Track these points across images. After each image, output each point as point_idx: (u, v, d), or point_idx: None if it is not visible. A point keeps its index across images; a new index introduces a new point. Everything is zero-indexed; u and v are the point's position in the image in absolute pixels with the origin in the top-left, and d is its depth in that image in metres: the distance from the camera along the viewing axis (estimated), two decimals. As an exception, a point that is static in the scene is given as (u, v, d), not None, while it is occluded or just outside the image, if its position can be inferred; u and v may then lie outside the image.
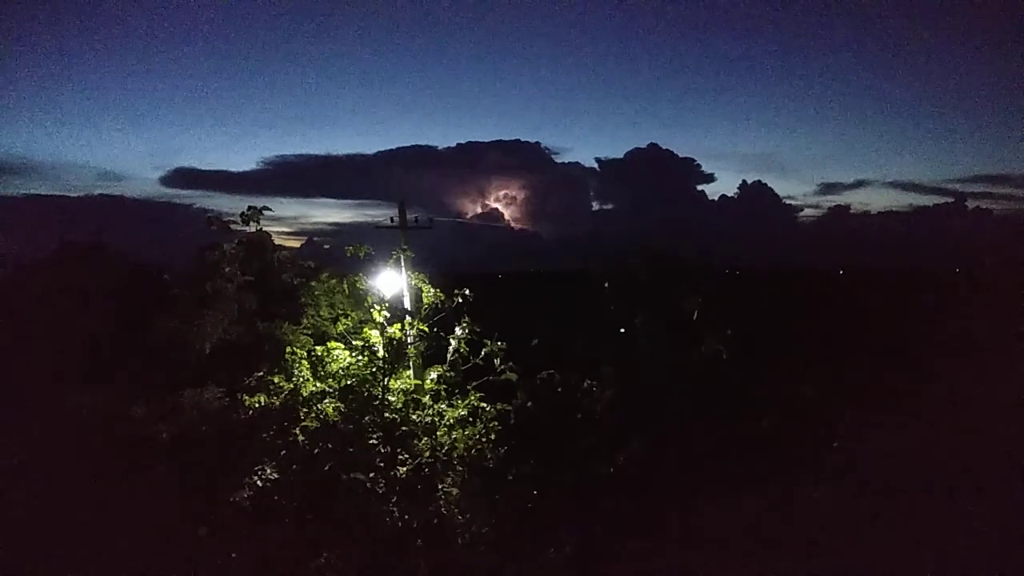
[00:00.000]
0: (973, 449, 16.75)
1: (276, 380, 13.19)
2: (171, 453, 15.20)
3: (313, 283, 17.79)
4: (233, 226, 16.20)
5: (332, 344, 13.86)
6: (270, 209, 16.21)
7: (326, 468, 12.54)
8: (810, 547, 14.85)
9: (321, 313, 17.56)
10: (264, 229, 16.68)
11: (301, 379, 13.32)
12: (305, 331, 16.29)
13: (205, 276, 15.89)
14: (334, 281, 17.09)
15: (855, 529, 15.15)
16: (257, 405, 13.03)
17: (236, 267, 16.10)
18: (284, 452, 12.79)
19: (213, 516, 12.92)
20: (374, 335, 13.78)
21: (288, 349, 13.76)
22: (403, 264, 15.76)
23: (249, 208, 15.99)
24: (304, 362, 13.41)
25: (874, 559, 14.21)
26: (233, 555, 12.24)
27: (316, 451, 12.61)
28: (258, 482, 12.68)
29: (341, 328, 15.30)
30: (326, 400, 13.09)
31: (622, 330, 21.40)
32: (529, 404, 17.69)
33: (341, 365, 13.44)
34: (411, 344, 14.41)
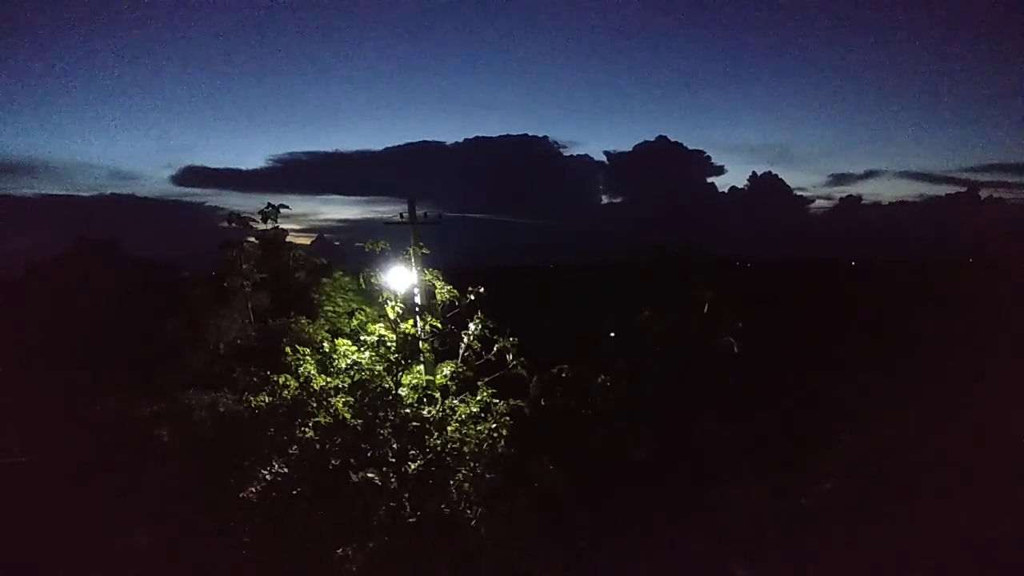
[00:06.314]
0: (984, 443, 16.65)
1: (282, 380, 13.21)
2: (180, 452, 15.37)
3: (325, 280, 17.89)
4: (251, 224, 16.42)
5: (340, 341, 13.85)
6: (287, 207, 16.41)
7: (335, 463, 12.58)
8: (819, 538, 14.84)
9: (336, 309, 17.67)
10: (279, 227, 16.88)
11: (308, 374, 13.32)
12: (322, 327, 16.40)
13: (222, 273, 16.07)
14: (347, 279, 17.18)
15: (863, 522, 15.11)
16: (263, 404, 13.10)
17: (252, 265, 16.27)
18: (294, 448, 12.83)
19: (223, 512, 13.02)
20: (380, 329, 13.76)
21: (288, 349, 13.74)
22: (414, 260, 15.76)
23: (268, 205, 16.14)
24: (309, 359, 13.42)
25: (881, 551, 14.18)
26: (244, 552, 12.33)
27: (326, 446, 12.64)
28: (267, 476, 12.77)
29: (355, 324, 15.34)
30: (336, 396, 13.10)
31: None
32: (543, 400, 17.72)
33: (348, 361, 13.42)
34: (423, 340, 14.42)
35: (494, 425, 14.28)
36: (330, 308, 17.44)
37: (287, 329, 16.12)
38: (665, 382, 19.08)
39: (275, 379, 13.17)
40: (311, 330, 15.96)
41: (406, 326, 13.68)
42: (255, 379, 13.61)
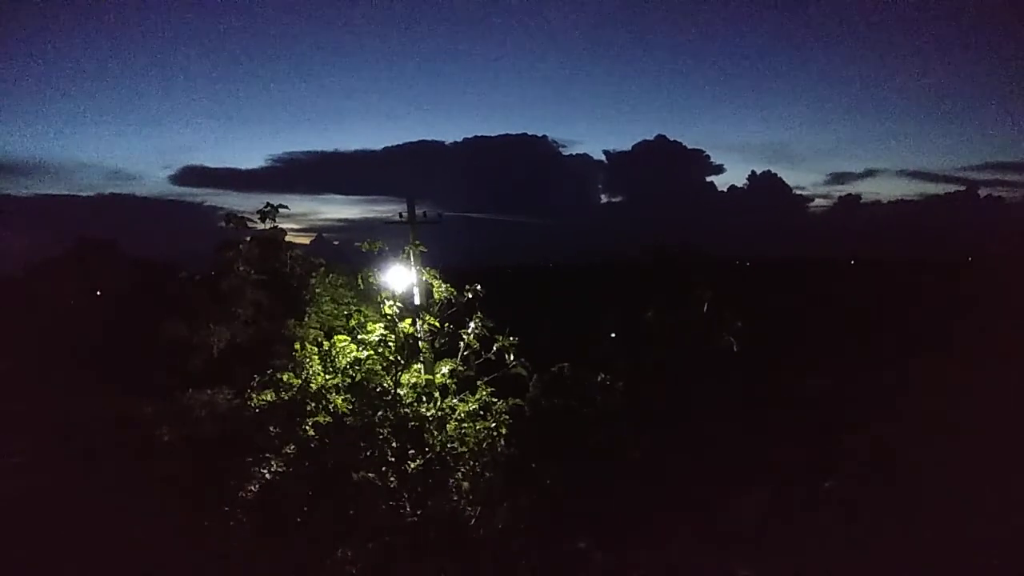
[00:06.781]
0: (985, 443, 16.64)
1: (285, 377, 13.20)
2: (180, 452, 15.37)
3: (312, 279, 17.85)
4: (249, 224, 16.39)
5: (338, 338, 13.82)
6: (286, 207, 16.38)
7: (335, 463, 12.56)
8: (819, 538, 14.84)
9: (324, 308, 17.63)
10: (277, 226, 16.85)
11: (312, 373, 13.30)
12: (313, 326, 16.38)
13: (220, 275, 16.05)
14: (333, 275, 17.16)
15: (864, 521, 15.11)
16: (264, 402, 13.07)
17: (250, 266, 16.25)
18: (292, 447, 12.82)
19: (221, 512, 13.01)
20: (378, 328, 13.73)
21: (297, 345, 13.75)
22: (413, 259, 15.76)
23: (267, 205, 16.10)
24: (315, 357, 13.39)
25: (882, 551, 14.17)
26: (244, 552, 12.31)
27: (325, 445, 12.62)
28: (266, 475, 12.76)
29: (354, 323, 15.32)
30: (335, 394, 13.07)
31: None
32: (543, 400, 17.71)
33: (348, 359, 13.40)
34: (422, 339, 14.41)
35: (493, 424, 14.27)
36: (315, 309, 17.44)
37: (280, 333, 16.13)
38: (665, 382, 19.08)
39: (279, 377, 13.16)
40: (303, 330, 15.95)
41: (403, 325, 13.68)
42: (252, 380, 13.57)
